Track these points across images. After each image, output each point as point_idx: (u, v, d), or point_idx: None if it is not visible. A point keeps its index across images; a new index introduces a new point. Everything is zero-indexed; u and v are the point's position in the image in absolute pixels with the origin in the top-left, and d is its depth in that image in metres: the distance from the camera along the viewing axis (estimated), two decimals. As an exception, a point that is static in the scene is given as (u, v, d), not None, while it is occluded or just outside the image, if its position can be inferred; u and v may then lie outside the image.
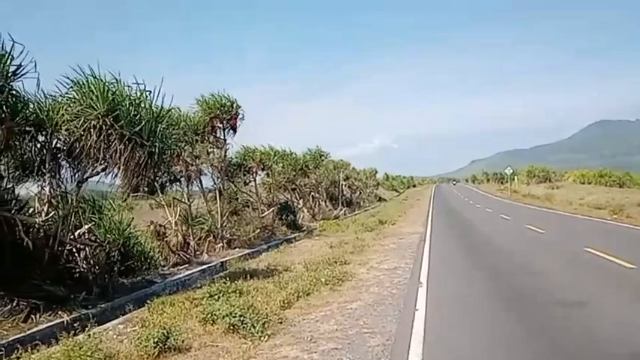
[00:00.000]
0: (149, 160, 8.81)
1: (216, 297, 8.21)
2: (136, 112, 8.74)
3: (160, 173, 17.95)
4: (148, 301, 8.81)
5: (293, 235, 21.71)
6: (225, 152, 19.00)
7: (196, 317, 7.12)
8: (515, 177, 76.69)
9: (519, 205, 39.00)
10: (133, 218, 12.55)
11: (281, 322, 6.84)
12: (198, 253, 16.66)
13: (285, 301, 7.60)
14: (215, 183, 19.84)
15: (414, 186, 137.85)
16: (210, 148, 19.14)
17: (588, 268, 10.87)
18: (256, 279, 10.19)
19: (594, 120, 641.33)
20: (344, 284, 9.21)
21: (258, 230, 20.72)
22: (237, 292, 8.35)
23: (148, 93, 9.11)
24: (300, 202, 30.80)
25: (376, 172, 64.05)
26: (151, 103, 9.08)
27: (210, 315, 6.79)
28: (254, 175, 23.12)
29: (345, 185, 44.06)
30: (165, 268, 13.48)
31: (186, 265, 14.03)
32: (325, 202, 37.83)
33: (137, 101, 8.87)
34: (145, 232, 14.84)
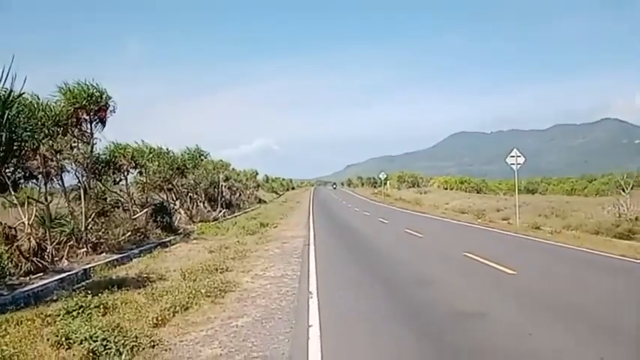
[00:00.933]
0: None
1: (74, 313, 7.08)
2: (-25, 94, 7.25)
3: (9, 168, 15.81)
4: (-13, 320, 7.35)
5: (169, 239, 20.28)
6: (92, 147, 17.12)
7: (48, 340, 5.98)
8: (388, 181, 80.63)
9: (394, 209, 40.87)
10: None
11: (153, 346, 5.88)
12: (56, 259, 14.73)
13: (159, 318, 6.65)
14: (80, 181, 17.86)
15: (293, 188, 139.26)
16: (75, 142, 17.17)
17: (473, 275, 10.90)
18: (125, 290, 9.06)
19: (455, 131, 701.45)
20: (227, 296, 8.45)
21: (129, 233, 19.05)
22: (101, 306, 7.29)
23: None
24: (177, 203, 29.13)
25: (257, 173, 63.34)
26: (-2, 86, 7.61)
27: (64, 338, 5.72)
28: (125, 173, 21.25)
29: (225, 186, 42.81)
30: (14, 278, 11.61)
31: (41, 274, 12.25)
32: (204, 203, 36.34)
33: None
34: (-9, 235, 12.79)
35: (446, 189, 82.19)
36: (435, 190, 78.64)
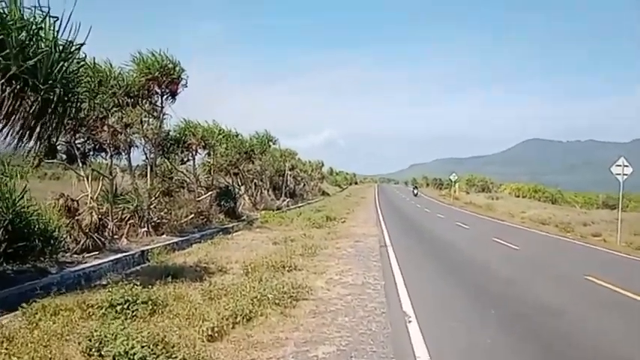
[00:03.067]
0: (44, 110, 6.31)
1: (118, 308, 5.92)
2: (30, 42, 6.21)
3: (79, 140, 15.33)
4: (24, 305, 6.36)
5: (231, 225, 19.35)
6: (162, 123, 16.35)
7: (80, 343, 4.81)
8: (457, 184, 77.36)
9: (468, 214, 38.29)
10: (27, 188, 9.78)
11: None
12: (116, 237, 14.05)
13: (216, 329, 5.30)
14: (147, 157, 17.23)
15: (356, 183, 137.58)
16: (145, 116, 16.50)
17: (615, 309, 8.53)
18: (180, 282, 7.91)
19: (528, 137, 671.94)
20: (299, 306, 6.93)
21: (192, 215, 18.28)
22: (150, 302, 6.08)
23: (53, 20, 6.58)
24: (242, 188, 28.36)
25: (322, 164, 62.26)
26: (56, 35, 6.56)
27: (99, 343, 4.50)
28: (193, 153, 20.51)
29: (291, 175, 41.93)
30: (67, 255, 10.85)
31: (96, 253, 11.44)
32: (268, 191, 35.58)
33: (34, 28, 6.33)
34: (53, 206, 12.17)
35: (518, 196, 77.70)
36: (506, 196, 74.46)
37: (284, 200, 36.19)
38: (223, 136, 23.38)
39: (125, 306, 5.91)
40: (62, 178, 20.38)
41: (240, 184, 28.32)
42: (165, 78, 14.98)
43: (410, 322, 6.75)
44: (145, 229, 15.47)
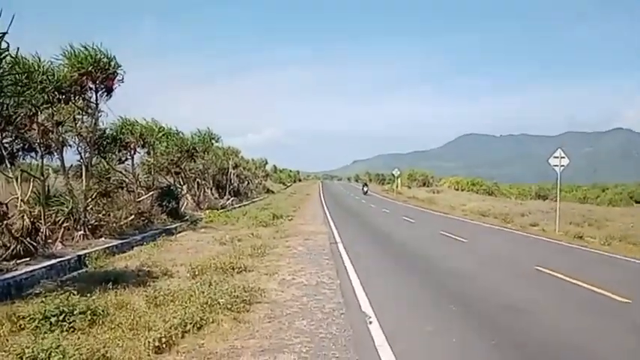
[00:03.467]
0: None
1: (52, 320, 5.43)
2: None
3: (5, 138, 14.24)
4: (-55, 321, 5.73)
5: (174, 226, 18.66)
6: (97, 120, 15.48)
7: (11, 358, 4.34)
8: (399, 179, 78.83)
9: (411, 207, 39.06)
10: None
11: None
12: (50, 241, 13.17)
13: (163, 339, 4.88)
14: (82, 157, 16.27)
15: (300, 180, 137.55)
16: (79, 113, 15.57)
17: (580, 304, 8.29)
18: (122, 288, 7.40)
19: (464, 132, 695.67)
20: (253, 310, 6.54)
21: (132, 217, 17.48)
22: (89, 312, 5.61)
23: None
24: (185, 187, 27.51)
25: (266, 162, 61.70)
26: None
27: (31, 362, 4.06)
28: (132, 152, 19.62)
29: (234, 174, 41.20)
30: (-5, 263, 9.99)
31: (28, 259, 10.62)
32: (212, 190, 34.80)
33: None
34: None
35: (457, 190, 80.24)
36: (446, 190, 76.70)
37: (228, 199, 35.52)
38: (163, 134, 22.54)
39: (61, 317, 5.42)
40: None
41: (182, 183, 27.47)
42: (100, 73, 14.18)
43: (371, 322, 6.52)
44: (82, 232, 14.61)
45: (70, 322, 5.41)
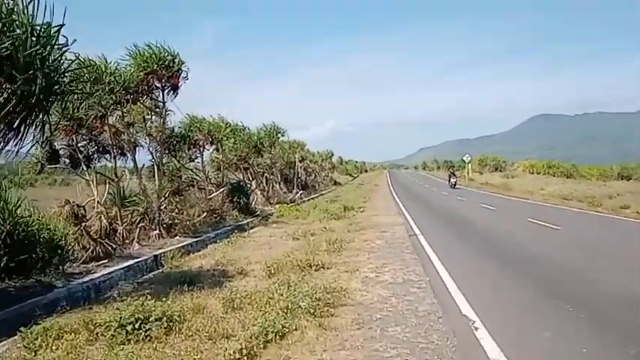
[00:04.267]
0: (26, 105, 5.44)
1: (129, 328, 5.07)
2: (3, 27, 5.34)
3: (80, 142, 14.54)
4: (22, 329, 5.55)
5: (246, 222, 18.51)
6: (165, 119, 15.49)
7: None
8: (469, 165, 76.21)
9: (487, 194, 37.11)
10: (21, 196, 9.01)
11: None
12: (127, 242, 13.29)
13: (244, 350, 4.34)
14: (153, 156, 16.40)
15: (366, 171, 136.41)
16: (147, 113, 15.68)
17: None
18: (198, 289, 7.03)
19: (535, 113, 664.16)
20: (338, 314, 5.84)
21: (205, 214, 17.49)
22: (165, 319, 5.21)
23: (27, 2, 5.69)
24: (253, 183, 27.53)
25: (332, 154, 61.26)
26: (31, 18, 5.66)
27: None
28: (201, 149, 19.71)
29: (301, 167, 41.04)
30: (75, 265, 10.07)
31: (106, 261, 10.64)
32: (280, 184, 34.74)
33: (6, 11, 5.45)
34: (59, 214, 11.42)
35: (532, 173, 76.40)
36: (521, 174, 73.18)
37: (297, 192, 35.35)
38: (230, 131, 22.56)
39: (137, 325, 5.05)
40: (72, 184, 19.74)
41: (251, 178, 27.52)
42: (165, 71, 14.14)
43: (477, 329, 5.65)
44: (157, 231, 14.70)
45: (146, 331, 5.04)
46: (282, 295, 5.99)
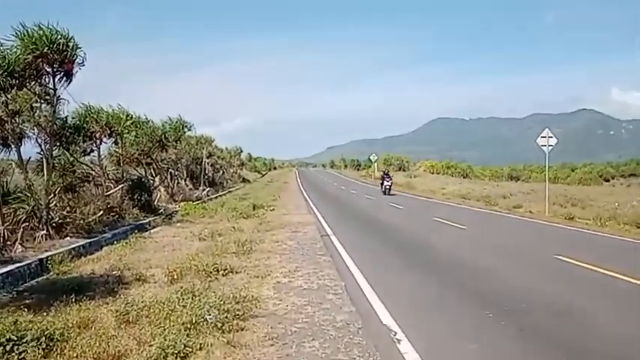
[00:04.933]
0: None
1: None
2: None
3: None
4: None
5: (147, 220, 17.40)
6: (56, 107, 14.06)
7: None
8: (375, 164, 78.64)
9: (393, 193, 38.34)
10: None
11: None
12: (9, 243, 11.85)
13: None
14: (42, 149, 14.85)
15: (275, 168, 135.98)
16: (36, 101, 14.14)
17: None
18: (88, 300, 6.25)
19: (435, 117, 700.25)
20: (249, 328, 5.29)
21: (102, 212, 16.14)
22: (44, 339, 4.49)
23: None
24: (157, 179, 26.08)
25: (241, 150, 60.16)
26: None
27: None
28: (98, 142, 18.19)
29: (209, 163, 39.78)
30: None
31: (-20, 267, 9.33)
32: (185, 180, 33.37)
33: None
34: None
35: (432, 173, 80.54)
36: (423, 174, 76.75)
37: (204, 190, 34.18)
38: (132, 123, 21.15)
39: (8, 347, 4.30)
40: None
41: (154, 174, 26.03)
42: (57, 55, 12.77)
43: (399, 341, 5.29)
44: (45, 231, 13.30)
45: (19, 354, 4.30)
46: (185, 306, 5.39)
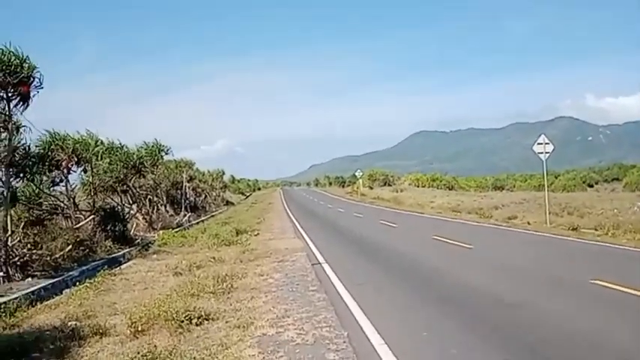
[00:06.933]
0: None
1: None
2: None
3: None
4: None
5: (121, 253, 16.07)
6: (12, 135, 12.81)
7: None
8: (360, 180, 78.06)
9: (382, 209, 37.19)
10: None
11: None
12: (-41, 289, 10.51)
13: None
14: (1, 181, 13.54)
15: (259, 189, 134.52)
16: (-7, 130, 12.88)
17: None
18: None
19: (415, 131, 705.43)
20: None
21: (70, 247, 14.81)
22: None
23: None
24: (134, 207, 24.70)
25: (223, 173, 58.79)
26: None
27: None
28: (65, 171, 16.89)
29: (190, 187, 38.42)
30: None
31: None
32: (165, 206, 31.99)
33: None
34: None
35: (418, 186, 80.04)
36: (408, 188, 76.14)
37: (185, 215, 32.82)
38: (106, 149, 19.93)
39: None
40: None
41: (131, 202, 24.66)
42: (10, 77, 11.62)
43: None
44: (2, 272, 11.98)
45: None
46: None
